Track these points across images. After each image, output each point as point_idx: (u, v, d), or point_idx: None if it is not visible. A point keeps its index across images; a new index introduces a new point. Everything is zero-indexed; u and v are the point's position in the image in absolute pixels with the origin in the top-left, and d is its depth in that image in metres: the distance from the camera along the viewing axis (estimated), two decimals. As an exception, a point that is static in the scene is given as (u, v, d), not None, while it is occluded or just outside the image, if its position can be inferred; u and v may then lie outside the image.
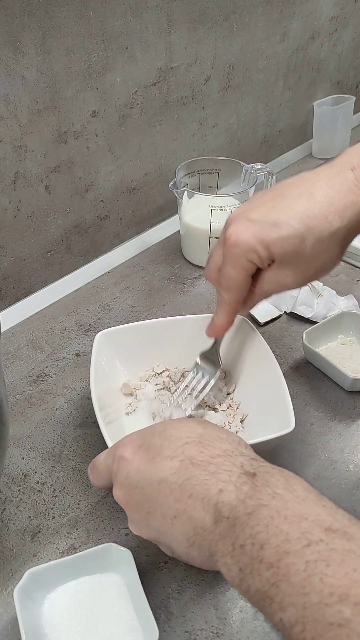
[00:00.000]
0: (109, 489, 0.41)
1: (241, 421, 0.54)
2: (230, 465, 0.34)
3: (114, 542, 0.44)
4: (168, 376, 0.57)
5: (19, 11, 0.58)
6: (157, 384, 0.57)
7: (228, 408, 0.55)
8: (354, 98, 1.04)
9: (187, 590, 0.44)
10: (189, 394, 0.54)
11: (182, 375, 0.58)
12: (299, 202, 0.43)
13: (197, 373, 0.54)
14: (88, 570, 0.43)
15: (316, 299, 0.68)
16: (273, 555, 0.29)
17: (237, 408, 0.55)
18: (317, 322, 0.64)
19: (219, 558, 0.32)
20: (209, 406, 0.56)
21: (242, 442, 0.37)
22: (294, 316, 0.69)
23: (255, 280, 0.46)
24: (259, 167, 0.74)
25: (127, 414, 0.55)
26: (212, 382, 0.54)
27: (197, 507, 0.33)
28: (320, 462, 0.53)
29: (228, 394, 0.56)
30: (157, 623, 0.39)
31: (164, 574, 0.45)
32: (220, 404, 0.56)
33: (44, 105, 0.64)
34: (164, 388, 0.57)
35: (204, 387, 0.54)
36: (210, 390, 0.54)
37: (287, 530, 0.30)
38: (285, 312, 0.69)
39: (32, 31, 0.59)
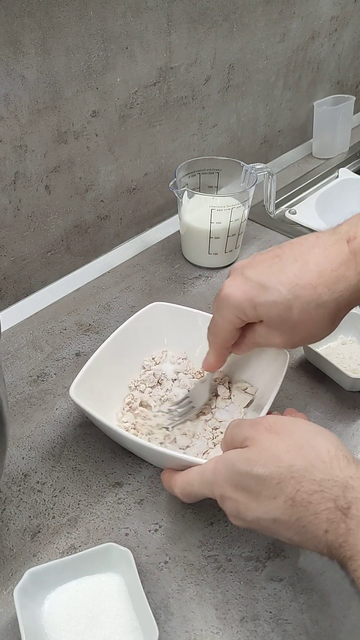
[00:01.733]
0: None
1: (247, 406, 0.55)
2: (327, 502, 0.35)
3: (114, 542, 0.44)
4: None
5: (19, 11, 0.58)
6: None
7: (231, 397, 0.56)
8: (354, 98, 1.04)
9: (187, 590, 0.44)
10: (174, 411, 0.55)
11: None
12: (291, 268, 0.43)
13: (185, 399, 0.56)
14: (88, 570, 0.43)
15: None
16: None
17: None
18: (317, 322, 0.64)
19: (349, 571, 0.35)
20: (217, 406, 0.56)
21: (332, 449, 0.38)
22: None
23: (249, 329, 0.47)
24: (259, 167, 0.74)
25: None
26: (194, 411, 0.54)
27: (314, 542, 0.36)
28: (320, 462, 0.53)
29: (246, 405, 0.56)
30: (157, 623, 0.39)
31: (164, 574, 0.45)
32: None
33: (44, 105, 0.64)
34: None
35: (185, 413, 0.54)
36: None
37: None
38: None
39: (32, 31, 0.59)
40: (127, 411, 0.55)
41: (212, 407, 0.56)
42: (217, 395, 0.56)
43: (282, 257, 0.44)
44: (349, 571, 0.34)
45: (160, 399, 0.57)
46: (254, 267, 0.44)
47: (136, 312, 0.70)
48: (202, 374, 0.59)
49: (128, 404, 0.56)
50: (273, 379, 0.52)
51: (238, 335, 0.47)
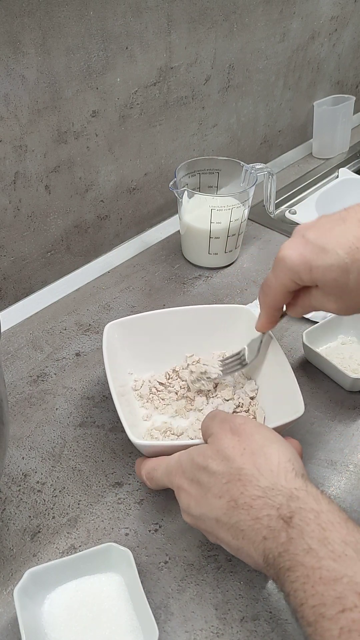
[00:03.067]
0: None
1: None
2: (269, 509, 0.36)
3: (114, 542, 0.44)
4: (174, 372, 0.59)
5: (19, 11, 0.58)
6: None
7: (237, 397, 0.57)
8: (354, 98, 1.04)
9: (187, 590, 0.44)
10: (227, 363, 0.57)
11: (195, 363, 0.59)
12: (353, 231, 0.41)
13: (239, 353, 0.57)
14: (88, 570, 0.43)
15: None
16: (311, 615, 0.31)
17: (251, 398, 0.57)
18: (317, 322, 0.64)
19: (282, 588, 0.34)
20: (224, 398, 0.57)
21: (282, 460, 0.38)
22: None
23: (304, 292, 0.45)
24: (259, 167, 0.74)
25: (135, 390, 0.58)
26: (243, 367, 0.56)
27: (250, 548, 0.36)
28: (320, 462, 0.53)
29: (252, 398, 0.57)
30: (157, 623, 0.39)
31: (164, 574, 0.45)
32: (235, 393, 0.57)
33: (44, 105, 0.64)
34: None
35: (238, 365, 0.56)
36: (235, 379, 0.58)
37: (322, 592, 0.31)
38: (285, 312, 0.69)
39: (32, 31, 0.59)
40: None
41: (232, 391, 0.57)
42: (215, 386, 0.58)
43: (346, 219, 0.42)
44: (285, 583, 0.33)
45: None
46: (317, 228, 0.42)
47: (136, 311, 0.71)
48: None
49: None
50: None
51: (290, 297, 0.46)
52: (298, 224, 0.87)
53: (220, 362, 0.57)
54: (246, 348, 0.56)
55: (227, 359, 0.57)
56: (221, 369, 0.56)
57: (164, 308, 0.71)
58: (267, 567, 0.35)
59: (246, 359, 0.56)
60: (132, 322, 0.58)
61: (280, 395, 0.52)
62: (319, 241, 0.41)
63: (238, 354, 0.57)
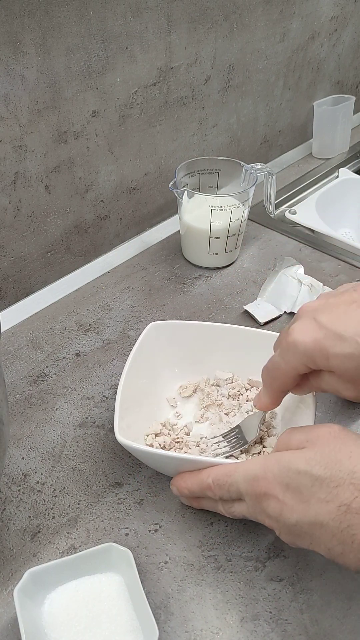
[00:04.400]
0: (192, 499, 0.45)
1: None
2: None
3: (114, 542, 0.44)
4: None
5: (19, 11, 0.58)
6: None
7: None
8: (354, 98, 1.04)
9: (187, 590, 0.44)
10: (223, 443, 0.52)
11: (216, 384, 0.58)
12: None
13: (235, 430, 0.52)
14: (88, 570, 0.43)
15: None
16: None
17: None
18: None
19: None
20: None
21: None
22: (294, 316, 0.69)
23: (314, 374, 0.43)
24: (259, 167, 0.74)
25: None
26: (243, 446, 0.51)
27: (359, 553, 0.35)
28: (320, 462, 0.53)
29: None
30: (157, 623, 0.39)
31: (164, 574, 0.45)
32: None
33: (44, 105, 0.64)
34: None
35: (230, 449, 0.51)
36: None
37: None
38: (285, 312, 0.69)
39: (32, 31, 0.59)
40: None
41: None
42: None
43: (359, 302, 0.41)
44: None
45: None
46: (328, 312, 0.41)
47: (136, 311, 0.71)
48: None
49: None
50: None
51: (299, 380, 0.44)
52: (298, 224, 0.87)
53: (215, 442, 0.52)
54: (240, 427, 0.52)
55: (224, 438, 0.52)
56: (217, 450, 0.51)
57: (164, 308, 0.71)
58: None
59: (245, 438, 0.51)
60: (175, 327, 0.57)
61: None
62: (334, 327, 0.40)
63: (234, 432, 0.52)
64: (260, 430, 0.51)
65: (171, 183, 0.71)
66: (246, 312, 0.70)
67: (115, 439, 0.46)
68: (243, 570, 0.45)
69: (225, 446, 0.51)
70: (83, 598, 0.42)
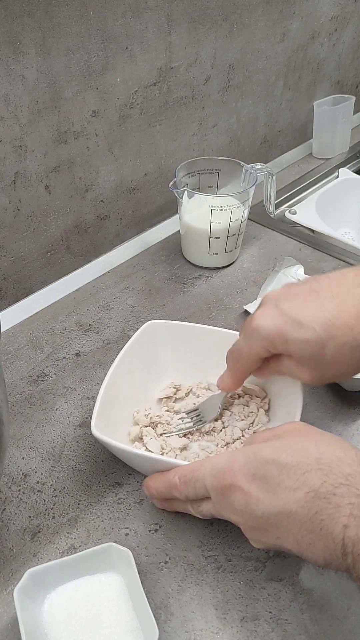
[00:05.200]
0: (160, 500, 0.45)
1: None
2: (352, 497, 0.34)
3: (114, 542, 0.44)
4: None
5: (19, 11, 0.58)
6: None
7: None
8: (354, 98, 1.04)
9: (187, 590, 0.44)
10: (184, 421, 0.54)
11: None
12: (328, 306, 0.41)
13: (194, 411, 0.54)
14: (88, 570, 0.43)
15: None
16: None
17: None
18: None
19: (356, 578, 0.34)
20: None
21: (359, 454, 0.37)
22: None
23: (274, 358, 0.45)
24: (259, 167, 0.74)
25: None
26: (201, 425, 0.53)
27: (328, 539, 0.34)
28: (320, 462, 0.53)
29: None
30: (157, 623, 0.39)
31: (164, 574, 0.45)
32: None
33: (44, 105, 0.64)
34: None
35: (192, 424, 0.53)
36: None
37: None
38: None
39: (32, 31, 0.59)
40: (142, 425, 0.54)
41: (225, 424, 0.54)
42: (226, 410, 0.55)
43: (320, 292, 0.42)
44: None
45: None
46: (289, 300, 0.43)
47: (136, 311, 0.71)
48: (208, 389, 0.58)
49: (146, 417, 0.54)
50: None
51: (260, 364, 0.47)
52: (298, 224, 0.87)
53: (179, 418, 0.54)
54: (203, 405, 0.54)
55: (187, 414, 0.54)
56: (177, 428, 0.53)
57: (164, 308, 0.71)
58: (344, 557, 0.34)
59: (204, 418, 0.53)
60: (173, 327, 0.57)
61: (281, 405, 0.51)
62: (293, 314, 0.42)
63: (196, 410, 0.54)
64: (221, 410, 0.54)
65: (171, 183, 0.71)
66: (246, 312, 0.70)
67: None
68: (243, 570, 0.45)
69: (188, 422, 0.53)
70: (83, 598, 0.42)
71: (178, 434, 0.52)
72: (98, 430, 0.46)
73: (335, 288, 0.42)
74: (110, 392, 0.50)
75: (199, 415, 0.54)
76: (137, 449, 0.49)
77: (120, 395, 0.52)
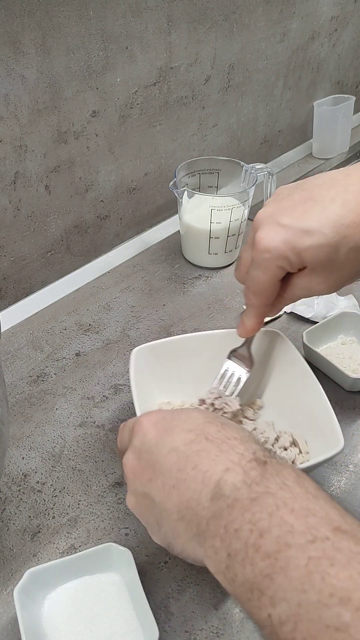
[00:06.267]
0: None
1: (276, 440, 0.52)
2: (244, 450, 0.33)
3: (114, 542, 0.44)
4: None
5: (19, 11, 0.58)
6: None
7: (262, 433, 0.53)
8: (354, 98, 1.04)
9: (187, 590, 0.44)
10: (224, 387, 0.53)
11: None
12: (332, 208, 0.41)
13: (228, 369, 0.53)
14: (88, 570, 0.43)
15: (316, 299, 0.68)
16: (272, 545, 0.28)
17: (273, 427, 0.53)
18: (317, 322, 0.64)
19: (207, 539, 0.31)
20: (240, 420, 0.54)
21: (255, 437, 0.37)
22: (294, 316, 0.69)
23: (284, 284, 0.45)
24: (259, 167, 0.74)
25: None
26: (244, 377, 0.52)
27: (197, 479, 0.33)
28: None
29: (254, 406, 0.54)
30: (157, 623, 0.39)
31: (164, 574, 0.45)
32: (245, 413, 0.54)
33: (44, 105, 0.64)
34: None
35: (237, 382, 0.52)
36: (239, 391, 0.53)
37: (292, 522, 0.28)
38: (285, 312, 0.69)
39: (32, 31, 0.59)
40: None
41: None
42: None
43: (317, 198, 0.42)
44: (240, 516, 0.30)
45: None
46: (288, 212, 0.42)
47: (136, 311, 0.71)
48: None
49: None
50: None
51: (278, 289, 0.45)
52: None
53: (217, 391, 0.52)
54: (230, 362, 0.53)
55: (223, 383, 0.53)
56: (232, 397, 0.51)
57: (164, 308, 0.71)
58: (212, 501, 0.31)
59: (245, 371, 0.52)
60: (160, 346, 0.54)
61: (312, 422, 0.49)
62: (299, 224, 0.41)
63: (228, 371, 0.53)
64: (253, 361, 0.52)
65: (171, 183, 0.71)
66: (246, 312, 0.70)
67: (115, 438, 0.45)
68: (243, 570, 0.45)
69: (230, 385, 0.52)
70: (83, 598, 0.42)
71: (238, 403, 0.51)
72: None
73: (332, 191, 0.42)
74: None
75: (232, 373, 0.53)
76: None
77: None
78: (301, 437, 0.50)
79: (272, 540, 0.28)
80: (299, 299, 0.46)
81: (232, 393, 0.52)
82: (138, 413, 0.47)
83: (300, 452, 0.49)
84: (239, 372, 0.53)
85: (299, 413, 0.51)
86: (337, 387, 0.60)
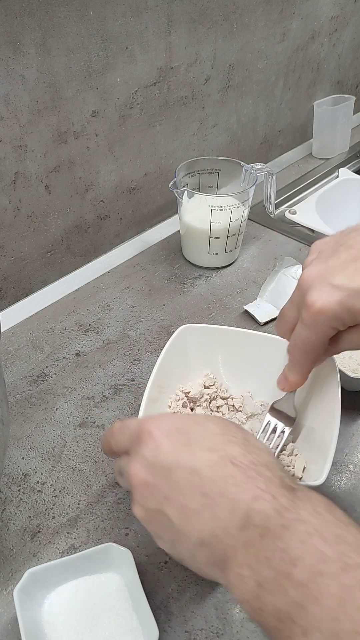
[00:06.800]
0: (112, 456, 0.39)
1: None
2: (271, 476, 0.32)
3: (114, 542, 0.44)
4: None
5: (19, 11, 0.58)
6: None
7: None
8: (354, 98, 1.04)
9: (187, 590, 0.44)
10: (268, 441, 0.51)
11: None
12: None
13: (270, 423, 0.52)
14: (88, 570, 0.43)
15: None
16: (305, 573, 0.28)
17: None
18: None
19: (233, 567, 0.30)
20: None
21: (280, 463, 0.36)
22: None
23: (331, 339, 0.44)
24: (259, 167, 0.74)
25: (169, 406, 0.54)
26: (287, 431, 0.51)
27: (225, 507, 0.31)
28: (320, 462, 0.53)
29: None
30: (157, 623, 0.39)
31: (164, 574, 0.45)
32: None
33: (44, 105, 0.64)
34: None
35: (281, 435, 0.51)
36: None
37: (324, 550, 0.28)
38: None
39: (32, 31, 0.59)
40: None
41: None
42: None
43: None
44: (272, 544, 0.29)
45: None
46: (339, 273, 0.41)
47: (136, 311, 0.71)
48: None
49: None
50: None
51: (326, 347, 0.45)
52: (298, 224, 0.87)
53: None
54: (271, 415, 0.51)
55: (266, 436, 0.51)
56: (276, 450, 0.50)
57: (164, 308, 0.71)
58: (243, 530, 0.30)
59: (285, 429, 0.51)
60: (206, 331, 0.56)
61: (311, 446, 0.49)
62: (353, 285, 0.40)
63: (270, 425, 0.51)
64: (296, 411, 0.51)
65: (171, 183, 0.71)
66: (246, 312, 0.70)
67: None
68: (243, 570, 0.45)
69: (274, 438, 0.51)
70: (83, 598, 0.42)
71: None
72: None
73: None
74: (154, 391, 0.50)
75: (274, 429, 0.51)
76: None
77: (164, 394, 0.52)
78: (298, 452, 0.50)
79: (305, 569, 0.28)
80: (345, 350, 0.46)
81: (277, 446, 0.50)
82: (148, 390, 0.49)
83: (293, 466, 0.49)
84: (281, 426, 0.51)
85: (307, 433, 0.51)
86: (337, 387, 0.60)
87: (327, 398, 0.50)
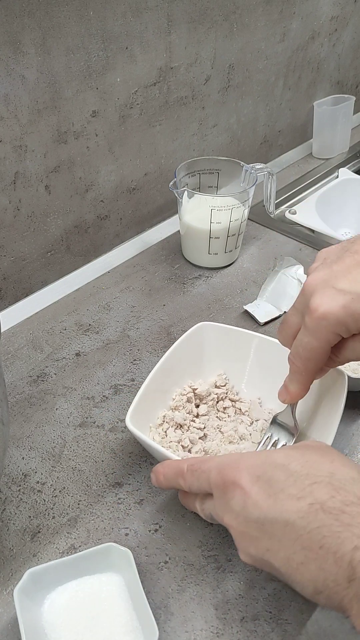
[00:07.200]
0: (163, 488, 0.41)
1: None
2: None
3: (114, 542, 0.44)
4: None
5: (19, 11, 0.58)
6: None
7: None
8: (354, 98, 1.04)
9: (187, 590, 0.44)
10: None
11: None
12: None
13: (272, 436, 0.51)
14: (88, 570, 0.43)
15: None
16: None
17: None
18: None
19: (353, 618, 0.31)
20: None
21: None
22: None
23: (335, 348, 0.43)
24: (259, 167, 0.74)
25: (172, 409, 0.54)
26: (290, 444, 0.50)
27: (328, 560, 0.31)
28: (320, 462, 0.53)
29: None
30: (157, 623, 0.39)
31: (164, 574, 0.45)
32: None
33: (44, 105, 0.64)
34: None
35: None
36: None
37: None
38: (285, 312, 0.69)
39: (32, 31, 0.59)
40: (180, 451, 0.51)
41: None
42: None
43: None
44: None
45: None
46: (343, 277, 0.41)
47: (136, 311, 0.71)
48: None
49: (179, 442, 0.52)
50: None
51: (329, 354, 0.44)
52: (298, 224, 0.87)
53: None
54: (274, 428, 0.51)
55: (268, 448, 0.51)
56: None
57: (164, 308, 0.71)
58: (350, 583, 0.30)
59: (290, 438, 0.50)
60: (225, 331, 0.56)
61: None
62: (357, 289, 0.40)
63: (272, 439, 0.51)
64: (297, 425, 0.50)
65: (171, 183, 0.71)
66: (246, 312, 0.70)
67: (117, 438, 0.46)
68: (243, 570, 0.45)
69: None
70: (83, 598, 0.42)
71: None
72: (133, 425, 0.46)
73: None
74: (149, 390, 0.50)
75: (275, 444, 0.50)
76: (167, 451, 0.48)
77: (159, 393, 0.53)
78: None
79: None
80: (350, 361, 0.44)
81: None
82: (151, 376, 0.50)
83: None
84: (283, 439, 0.50)
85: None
86: (337, 387, 0.60)
87: (331, 414, 0.49)
